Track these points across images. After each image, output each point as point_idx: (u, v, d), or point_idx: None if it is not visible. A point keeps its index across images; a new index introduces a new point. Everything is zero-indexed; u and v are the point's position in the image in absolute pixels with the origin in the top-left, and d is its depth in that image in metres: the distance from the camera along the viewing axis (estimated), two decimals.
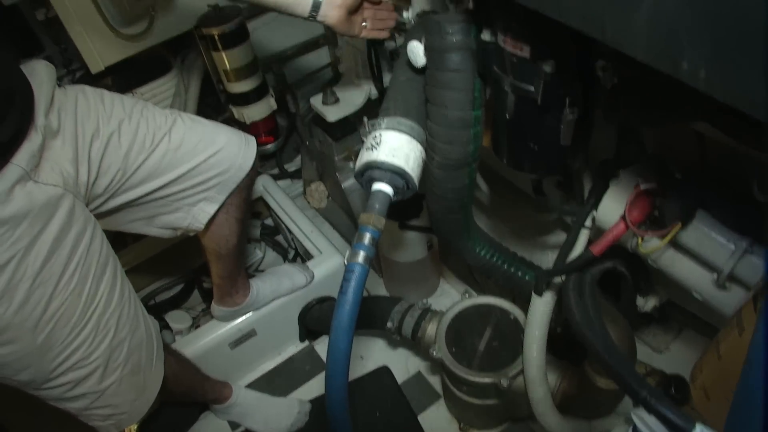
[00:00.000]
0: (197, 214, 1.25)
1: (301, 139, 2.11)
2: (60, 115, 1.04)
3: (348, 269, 0.93)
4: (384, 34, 1.24)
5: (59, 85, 1.10)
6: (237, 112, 1.92)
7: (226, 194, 1.26)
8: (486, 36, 0.88)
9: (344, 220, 1.97)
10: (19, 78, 1.00)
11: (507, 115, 0.93)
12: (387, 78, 1.60)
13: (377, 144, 0.98)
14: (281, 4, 1.12)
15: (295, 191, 2.20)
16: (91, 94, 1.12)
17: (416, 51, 0.98)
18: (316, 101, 1.66)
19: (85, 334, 1.06)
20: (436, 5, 1.15)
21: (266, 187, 2.00)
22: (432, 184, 1.10)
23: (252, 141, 1.30)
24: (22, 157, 0.94)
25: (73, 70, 2.27)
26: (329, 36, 2.05)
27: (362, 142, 1.78)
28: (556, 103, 0.87)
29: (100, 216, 1.12)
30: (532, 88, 0.86)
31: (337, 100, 1.63)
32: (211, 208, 1.26)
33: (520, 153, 0.99)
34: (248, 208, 1.37)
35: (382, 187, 0.97)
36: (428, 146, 1.02)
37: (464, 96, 0.94)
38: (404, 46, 1.03)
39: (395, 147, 0.97)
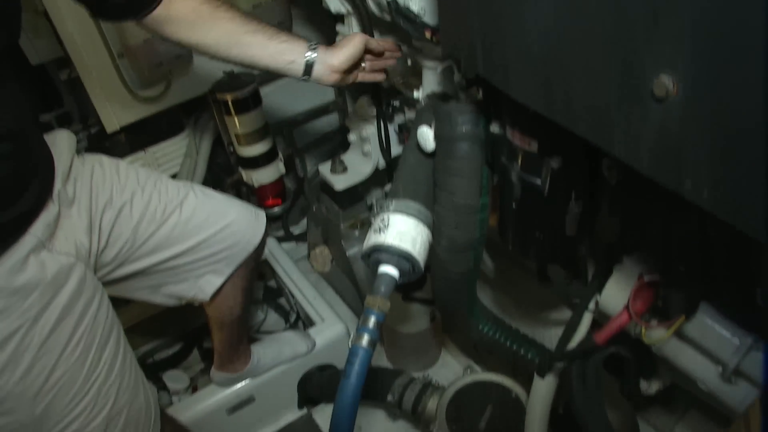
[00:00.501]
0: (203, 285, 1.26)
1: (307, 203, 2.14)
2: (76, 185, 1.07)
3: (352, 352, 0.93)
4: (381, 77, 1.25)
5: (78, 153, 1.13)
6: (246, 174, 1.95)
7: (234, 267, 1.27)
8: (494, 128, 0.91)
9: (347, 285, 1.97)
10: (43, 149, 1.03)
11: (513, 204, 0.95)
12: (395, 149, 1.64)
13: (385, 226, 0.99)
14: (273, 68, 1.14)
15: (299, 254, 2.20)
16: (107, 164, 1.15)
17: (426, 136, 1.00)
18: (324, 169, 1.69)
19: (85, 403, 1.05)
20: (447, 87, 1.19)
21: (270, 249, 2.01)
22: (437, 265, 1.11)
23: (262, 216, 1.32)
24: (38, 226, 0.96)
25: (90, 125, 2.32)
26: (339, 103, 2.11)
27: (369, 210, 1.82)
28: (563, 196, 0.89)
29: (106, 284, 1.13)
30: (538, 181, 0.88)
31: (345, 169, 1.66)
32: (217, 281, 1.26)
33: (526, 241, 1.00)
34: (254, 280, 1.38)
35: (389, 269, 0.98)
36: (435, 229, 1.04)
37: (472, 183, 0.96)
38: (414, 127, 1.06)
39: (403, 231, 0.98)
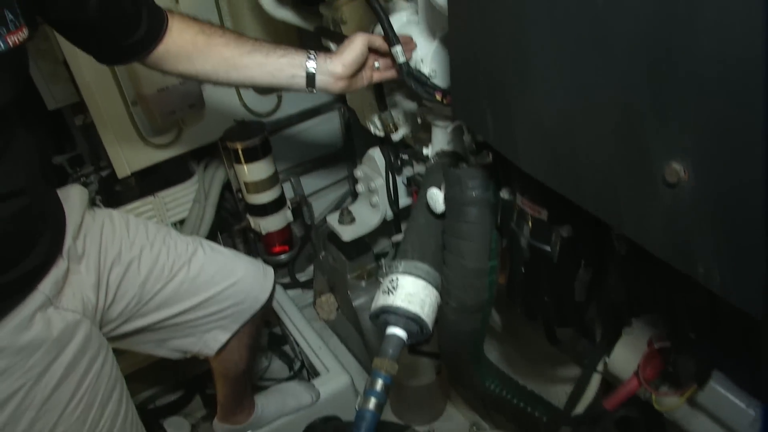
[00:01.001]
0: (209, 341, 1.25)
1: (314, 250, 2.14)
2: (86, 241, 1.07)
3: (359, 416, 0.92)
4: (394, 73, 1.17)
5: (89, 208, 1.14)
6: (254, 222, 1.95)
7: (240, 324, 1.27)
8: (504, 194, 0.91)
9: (353, 334, 1.96)
10: (55, 204, 1.04)
11: (522, 269, 0.94)
12: (403, 201, 1.64)
13: (393, 288, 0.99)
14: (277, 85, 1.14)
15: (304, 301, 2.20)
16: (117, 219, 1.15)
17: (436, 198, 1.01)
18: (332, 219, 1.70)
19: None
20: (457, 146, 1.20)
21: (276, 296, 1.99)
22: (445, 324, 1.10)
23: (270, 272, 1.32)
24: (47, 283, 0.96)
25: (101, 167, 2.35)
26: (348, 150, 2.13)
27: (376, 260, 1.82)
28: (572, 263, 0.89)
29: (111, 339, 1.12)
30: (548, 248, 0.88)
31: (352, 220, 1.67)
32: (223, 336, 1.26)
33: (534, 305, 0.99)
34: (260, 335, 1.37)
35: (397, 331, 0.97)
36: (443, 290, 1.03)
37: (481, 247, 0.96)
38: (424, 188, 1.07)
39: (411, 293, 0.98)
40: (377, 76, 1.17)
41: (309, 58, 1.10)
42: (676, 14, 0.47)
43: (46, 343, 0.94)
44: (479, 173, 0.93)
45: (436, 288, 1.02)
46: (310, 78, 1.10)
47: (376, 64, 1.16)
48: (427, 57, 1.08)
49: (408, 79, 1.07)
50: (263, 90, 1.88)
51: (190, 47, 1.08)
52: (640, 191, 0.58)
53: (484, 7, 0.69)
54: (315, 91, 1.13)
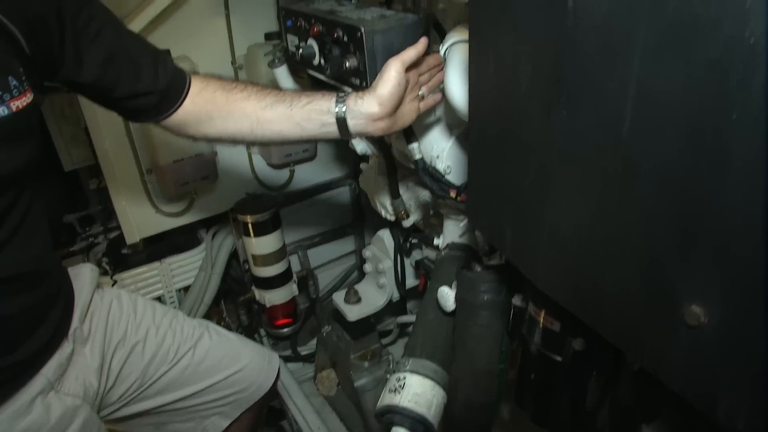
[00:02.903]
0: (209, 427, 1.22)
1: (317, 323, 2.11)
2: (92, 321, 1.06)
3: None
4: (439, 97, 1.04)
5: (98, 287, 1.13)
6: (259, 294, 1.94)
7: (241, 411, 1.24)
8: (517, 300, 0.91)
9: (353, 412, 1.91)
10: (65, 284, 1.04)
11: (532, 375, 0.93)
12: (410, 282, 1.64)
13: (401, 387, 0.97)
14: (308, 137, 1.02)
15: (305, 375, 2.16)
16: (125, 301, 1.15)
17: (446, 297, 1.00)
18: (338, 298, 1.69)
19: None
20: (469, 240, 1.20)
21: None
22: (451, 421, 1.07)
23: (275, 360, 1.31)
24: (51, 366, 0.95)
25: (110, 228, 2.36)
26: (356, 226, 2.14)
27: (380, 340, 1.79)
28: (584, 374, 0.88)
29: (108, 421, 1.10)
30: (559, 359, 0.86)
31: (359, 300, 1.66)
32: (223, 423, 1.23)
33: (544, 411, 0.97)
34: (262, 421, 1.33)
35: None
36: (451, 388, 1.02)
37: (491, 350, 0.95)
38: (434, 283, 1.07)
39: (419, 393, 0.96)
40: (424, 105, 1.03)
41: (338, 101, 0.97)
42: (705, 166, 0.48)
43: (42, 429, 0.92)
44: (492, 276, 0.93)
45: (444, 387, 1.01)
46: (342, 123, 0.97)
47: (422, 91, 1.01)
48: (443, 153, 1.10)
49: (423, 175, 1.08)
50: (277, 164, 1.91)
51: (210, 106, 1.01)
52: (661, 329, 0.57)
53: (507, 128, 0.70)
54: (351, 138, 1.02)
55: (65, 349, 0.98)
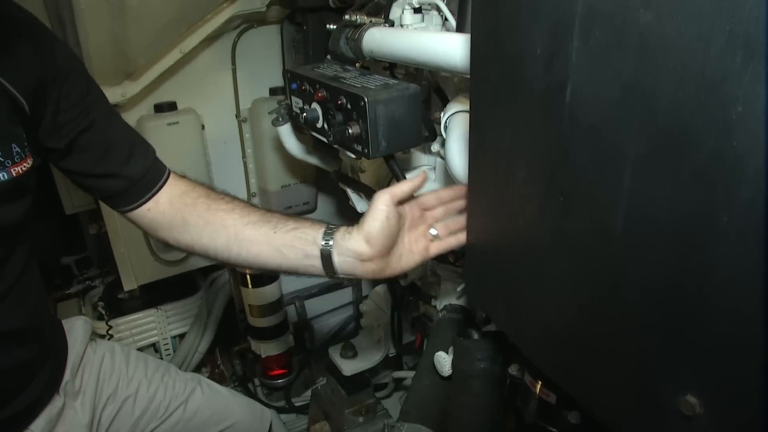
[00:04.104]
0: None
1: (312, 375, 2.10)
2: (84, 375, 1.06)
3: None
4: (465, 237, 0.84)
5: (91, 340, 1.13)
6: (254, 344, 1.94)
7: None
8: (513, 370, 0.91)
9: None
10: (59, 337, 1.04)
11: None
12: (406, 338, 1.64)
13: None
14: (287, 267, 0.91)
15: (298, 427, 2.13)
16: (118, 354, 1.15)
17: (443, 363, 1.01)
18: (334, 352, 1.69)
19: None
20: (467, 302, 1.21)
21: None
22: None
23: (267, 415, 1.30)
24: (40, 422, 0.94)
25: (107, 272, 2.36)
26: (354, 279, 2.14)
27: (375, 396, 1.78)
28: None
29: None
30: (554, 430, 0.86)
31: (355, 355, 1.65)
32: None
33: None
34: None
35: None
36: None
37: (484, 420, 0.95)
38: (430, 348, 1.07)
39: None
40: (436, 249, 0.90)
41: (326, 232, 0.87)
42: (693, 268, 0.50)
43: None
44: (488, 345, 0.94)
45: None
46: (326, 259, 0.85)
47: (433, 231, 0.90)
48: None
49: None
50: None
51: (188, 211, 0.93)
52: (654, 417, 0.58)
53: (503, 215, 0.72)
54: (339, 279, 0.93)
55: (56, 403, 0.97)
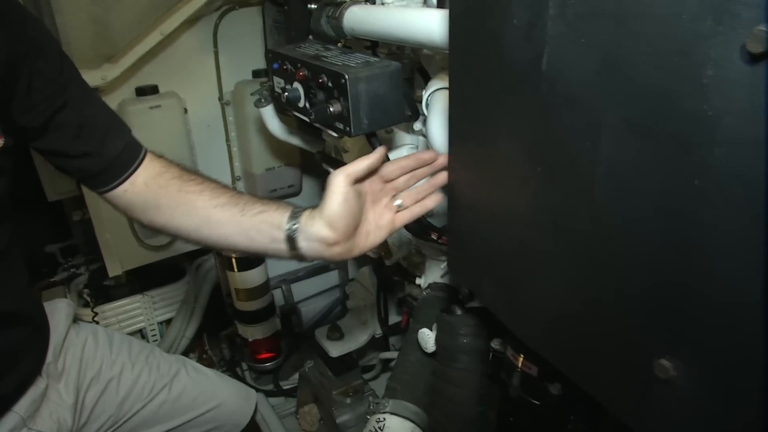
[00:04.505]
0: None
1: (301, 358, 2.10)
2: (67, 358, 1.06)
3: None
4: (430, 203, 0.88)
5: (74, 322, 1.13)
6: (241, 328, 1.94)
7: None
8: (495, 344, 0.92)
9: None
10: (41, 321, 1.03)
11: (511, 419, 0.93)
12: (393, 319, 1.64)
13: (380, 429, 0.98)
14: (254, 249, 0.90)
15: (287, 410, 2.14)
16: (101, 337, 1.14)
17: (426, 339, 1.01)
18: (321, 334, 1.69)
19: None
20: (451, 280, 1.22)
21: (258, 405, 1.95)
22: None
23: (252, 396, 1.30)
24: (24, 403, 0.94)
25: (93, 260, 2.34)
26: (340, 262, 2.14)
27: (362, 375, 1.79)
28: (562, 418, 0.88)
29: None
30: (537, 403, 0.87)
31: (341, 336, 1.66)
32: None
33: None
34: None
35: None
36: (431, 430, 1.02)
37: (470, 394, 0.96)
38: (415, 324, 1.07)
39: None
40: (402, 219, 0.88)
41: (292, 216, 0.84)
42: (671, 231, 0.50)
43: None
44: (471, 320, 0.94)
45: (423, 429, 1.01)
46: (292, 243, 0.84)
47: (398, 201, 0.88)
48: None
49: None
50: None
51: (162, 193, 0.93)
52: (633, 382, 0.59)
53: (485, 190, 0.73)
54: (309, 261, 0.88)
55: (39, 385, 0.97)
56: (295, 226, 0.83)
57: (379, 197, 0.88)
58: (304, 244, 0.84)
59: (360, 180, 0.84)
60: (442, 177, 0.87)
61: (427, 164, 0.89)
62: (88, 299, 2.05)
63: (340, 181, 0.81)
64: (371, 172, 0.86)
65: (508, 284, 0.72)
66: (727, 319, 0.49)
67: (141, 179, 0.94)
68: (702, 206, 0.47)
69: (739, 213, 0.45)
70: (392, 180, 0.89)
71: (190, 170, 0.97)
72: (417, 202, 0.89)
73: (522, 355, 0.86)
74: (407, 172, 0.89)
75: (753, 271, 0.45)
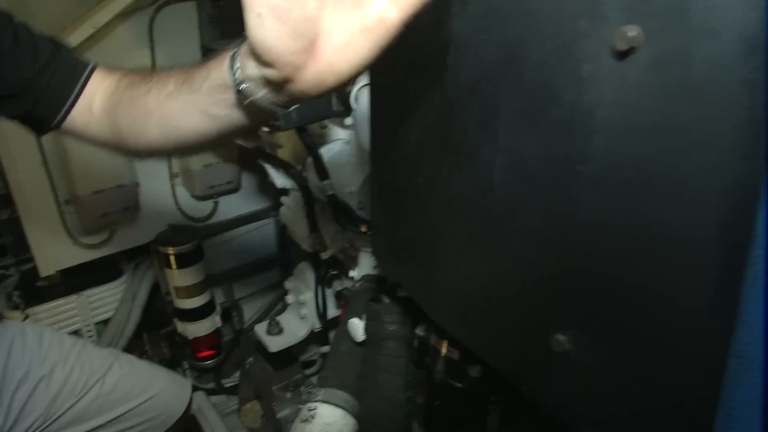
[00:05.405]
0: None
1: (242, 356, 2.10)
2: None
3: None
4: None
5: (9, 299, 1.10)
6: (181, 326, 1.92)
7: None
8: (420, 331, 0.95)
9: None
10: None
11: (437, 402, 0.97)
12: (331, 312, 1.66)
13: (311, 417, 1.00)
14: (227, 128, 0.66)
15: (229, 408, 2.13)
16: (30, 335, 1.12)
17: (356, 328, 1.04)
18: (260, 329, 1.70)
19: None
20: (383, 272, 1.25)
21: (199, 404, 1.93)
22: None
23: (187, 385, 1.30)
24: None
25: (24, 260, 2.27)
26: (281, 257, 2.15)
27: (302, 370, 1.80)
28: (484, 399, 0.93)
29: None
30: (459, 385, 0.91)
31: (280, 331, 1.67)
32: None
33: None
34: None
35: None
36: (362, 418, 1.04)
37: (398, 379, 0.99)
38: (347, 315, 1.10)
39: (329, 423, 0.99)
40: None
41: (233, 59, 0.57)
42: (558, 213, 0.54)
43: None
44: (397, 308, 0.97)
45: (355, 416, 1.03)
46: (246, 94, 0.57)
47: None
48: (355, 190, 1.15)
49: (336, 212, 1.12)
50: (200, 196, 1.91)
51: (118, 112, 0.74)
52: (536, 358, 0.63)
53: (402, 175, 0.76)
54: (279, 114, 0.60)
55: None
56: (238, 75, 0.57)
57: None
58: (262, 96, 0.57)
59: None
60: None
61: None
62: (18, 301, 1.98)
63: None
64: None
65: (424, 270, 0.75)
66: (611, 292, 0.53)
67: (98, 102, 0.76)
68: (584, 190, 0.51)
69: (617, 196, 0.49)
70: None
71: (141, 71, 0.76)
72: None
73: (445, 341, 0.89)
74: None
75: (632, 250, 0.49)
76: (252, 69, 0.55)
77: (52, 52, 0.77)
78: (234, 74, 0.57)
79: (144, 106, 0.71)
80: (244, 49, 0.56)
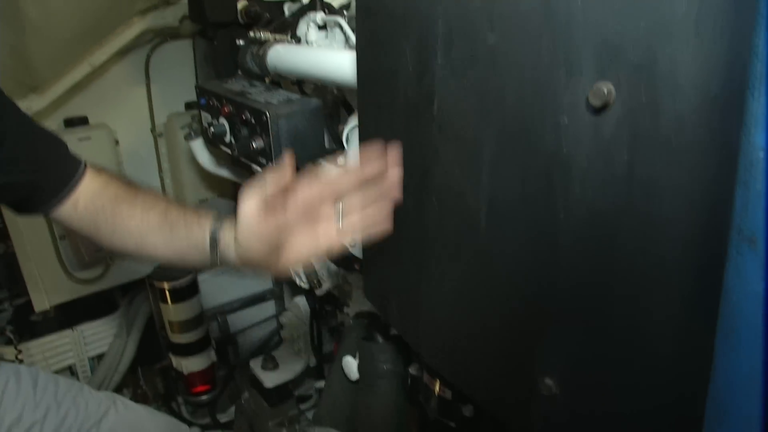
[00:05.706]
0: None
1: (237, 390, 2.08)
2: None
3: None
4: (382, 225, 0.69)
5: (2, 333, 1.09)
6: (176, 361, 1.91)
7: None
8: (413, 369, 0.95)
9: None
10: None
11: None
12: (327, 347, 1.66)
13: None
14: (201, 264, 0.82)
15: None
16: (25, 376, 1.11)
17: (350, 367, 1.04)
18: (255, 365, 1.69)
19: None
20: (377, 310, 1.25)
21: None
22: None
23: (185, 430, 1.29)
24: None
25: (17, 294, 2.26)
26: (276, 291, 2.15)
27: (298, 408, 1.79)
28: None
29: None
30: (453, 424, 0.91)
31: (276, 366, 1.66)
32: None
33: None
34: None
35: None
36: None
37: (392, 418, 0.99)
38: (340, 354, 1.10)
39: None
40: (338, 240, 0.72)
41: (213, 230, 0.78)
42: (541, 258, 0.55)
43: None
44: (390, 347, 0.98)
45: None
46: (224, 262, 0.79)
47: (339, 206, 0.71)
48: None
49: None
50: None
51: (100, 216, 0.85)
52: (523, 399, 0.63)
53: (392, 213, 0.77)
54: (220, 265, 0.80)
55: None
56: (217, 238, 0.77)
57: (309, 214, 0.71)
58: (233, 261, 0.77)
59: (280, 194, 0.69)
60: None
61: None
62: (11, 336, 1.97)
63: (249, 210, 0.70)
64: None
65: (411, 309, 0.76)
66: (594, 333, 0.54)
67: (82, 201, 0.85)
68: (564, 234, 0.52)
69: (596, 242, 0.50)
70: (331, 186, 0.71)
71: (125, 184, 0.88)
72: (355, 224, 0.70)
73: (438, 380, 0.89)
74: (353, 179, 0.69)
75: (615, 296, 0.50)
76: (231, 257, 0.77)
77: (47, 150, 0.86)
78: (213, 252, 0.78)
79: (125, 227, 0.84)
80: (226, 236, 0.78)
